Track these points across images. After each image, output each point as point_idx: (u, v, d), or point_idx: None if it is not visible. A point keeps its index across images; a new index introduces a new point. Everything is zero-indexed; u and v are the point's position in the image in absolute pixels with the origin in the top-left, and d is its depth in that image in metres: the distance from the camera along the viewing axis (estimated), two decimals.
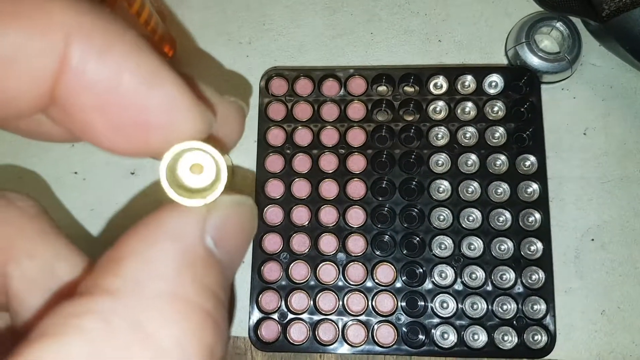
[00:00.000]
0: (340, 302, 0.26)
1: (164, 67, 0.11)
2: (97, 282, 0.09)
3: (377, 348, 0.26)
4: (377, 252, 0.27)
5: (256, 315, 0.26)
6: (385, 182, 0.28)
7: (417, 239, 0.27)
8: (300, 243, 0.27)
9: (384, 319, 0.26)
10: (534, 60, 0.28)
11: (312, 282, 0.27)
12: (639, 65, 0.29)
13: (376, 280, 0.27)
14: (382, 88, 0.29)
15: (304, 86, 0.29)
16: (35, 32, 0.09)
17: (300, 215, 0.28)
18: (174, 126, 0.11)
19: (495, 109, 0.28)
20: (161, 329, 0.09)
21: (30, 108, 0.10)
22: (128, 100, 0.10)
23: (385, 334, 0.26)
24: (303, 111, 0.29)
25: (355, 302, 0.27)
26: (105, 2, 0.24)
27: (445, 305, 0.26)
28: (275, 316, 0.26)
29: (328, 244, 0.27)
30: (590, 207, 0.28)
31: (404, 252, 0.27)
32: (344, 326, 0.26)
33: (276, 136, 0.29)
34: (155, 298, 0.09)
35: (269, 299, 0.27)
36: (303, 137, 0.29)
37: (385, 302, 0.26)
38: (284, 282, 0.27)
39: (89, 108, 0.10)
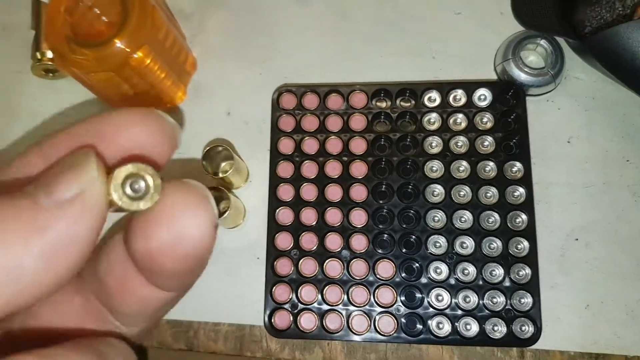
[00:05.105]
0: (345, 295, 0.29)
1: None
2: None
3: (379, 336, 0.29)
4: (378, 250, 0.30)
5: (270, 305, 0.29)
6: (384, 186, 0.31)
7: (414, 237, 0.30)
8: (309, 241, 0.30)
9: (384, 310, 0.29)
10: (520, 75, 0.31)
11: (320, 276, 0.30)
12: (618, 80, 0.31)
13: (377, 275, 0.29)
14: (381, 102, 0.32)
15: (310, 101, 0.32)
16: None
17: (309, 216, 0.31)
18: None
19: (485, 120, 0.31)
20: None
21: None
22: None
23: (386, 324, 0.29)
24: (310, 123, 0.32)
25: (359, 294, 0.29)
26: (139, 27, 0.28)
27: (440, 298, 0.29)
28: (287, 306, 0.29)
29: (334, 242, 0.30)
30: (575, 209, 0.31)
31: (403, 250, 0.30)
32: (348, 316, 0.29)
33: (286, 145, 0.32)
34: None
35: (281, 291, 0.30)
36: (310, 146, 0.32)
37: (385, 295, 0.29)
38: (294, 276, 0.30)
39: None
